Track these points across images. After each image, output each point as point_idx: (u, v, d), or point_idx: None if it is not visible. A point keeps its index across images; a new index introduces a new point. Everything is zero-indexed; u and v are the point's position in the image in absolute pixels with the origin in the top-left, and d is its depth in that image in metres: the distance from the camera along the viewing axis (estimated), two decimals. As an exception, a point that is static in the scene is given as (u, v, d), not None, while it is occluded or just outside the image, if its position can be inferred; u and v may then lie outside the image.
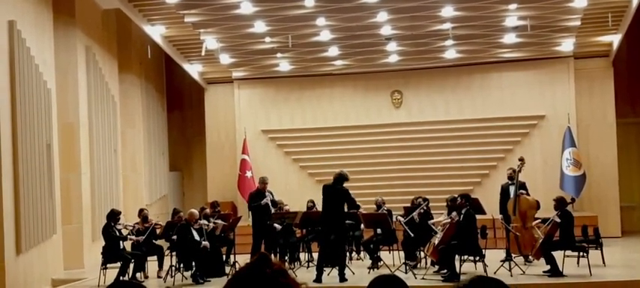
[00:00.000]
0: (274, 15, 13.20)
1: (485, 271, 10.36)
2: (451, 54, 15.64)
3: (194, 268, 11.05)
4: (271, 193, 12.67)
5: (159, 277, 11.78)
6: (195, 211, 11.71)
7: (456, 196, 11.24)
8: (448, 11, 13.08)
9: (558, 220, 10.53)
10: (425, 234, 11.42)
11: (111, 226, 11.23)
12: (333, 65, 16.50)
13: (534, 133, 16.31)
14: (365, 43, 14.84)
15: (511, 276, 10.48)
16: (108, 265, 11.05)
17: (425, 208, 11.85)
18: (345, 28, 13.91)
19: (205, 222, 11.65)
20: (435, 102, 16.71)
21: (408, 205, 12.71)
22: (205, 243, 11.10)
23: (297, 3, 12.64)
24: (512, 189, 12.04)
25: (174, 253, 11.52)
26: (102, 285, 10.71)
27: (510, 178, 12.28)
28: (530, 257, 11.40)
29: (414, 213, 11.71)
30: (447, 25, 13.81)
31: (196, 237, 11.16)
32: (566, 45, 15.33)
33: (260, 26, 13.71)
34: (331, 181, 10.85)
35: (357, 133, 16.90)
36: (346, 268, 10.79)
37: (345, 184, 10.89)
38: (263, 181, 12.70)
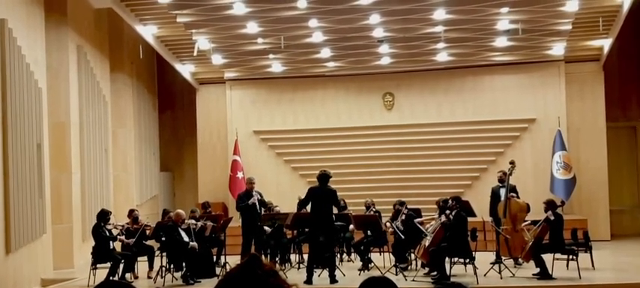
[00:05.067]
0: (267, 16, 13.20)
1: (476, 273, 10.39)
2: (443, 57, 15.69)
3: (184, 269, 11.03)
4: (259, 194, 12.67)
5: (149, 277, 11.75)
6: (182, 212, 11.69)
7: (448, 198, 11.28)
8: (440, 14, 13.11)
9: (552, 217, 10.57)
10: (415, 236, 11.44)
11: (101, 226, 11.20)
12: (326, 67, 16.52)
13: (525, 136, 16.38)
14: (357, 45, 14.86)
15: (501, 278, 10.53)
16: (98, 265, 11.01)
17: (405, 212, 11.87)
18: (338, 29, 13.92)
19: (193, 222, 11.63)
20: (426, 104, 16.75)
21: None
22: (193, 243, 11.07)
23: (290, 4, 12.64)
24: (502, 192, 12.08)
25: (164, 254, 11.49)
26: (92, 285, 10.67)
27: (501, 180, 12.32)
28: (519, 260, 11.44)
29: (397, 221, 11.75)
30: (439, 28, 13.85)
31: (184, 237, 11.14)
32: (557, 49, 15.40)
33: (252, 27, 13.70)
34: (316, 183, 10.86)
35: (348, 135, 16.93)
36: (337, 270, 10.80)
37: (336, 185, 10.91)
38: (250, 182, 12.71)
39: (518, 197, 11.98)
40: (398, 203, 12.21)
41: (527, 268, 11.03)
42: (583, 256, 11.10)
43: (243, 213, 12.54)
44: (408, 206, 12.19)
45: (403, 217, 11.77)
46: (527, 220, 11.58)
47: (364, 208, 12.95)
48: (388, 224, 11.95)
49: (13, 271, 10.42)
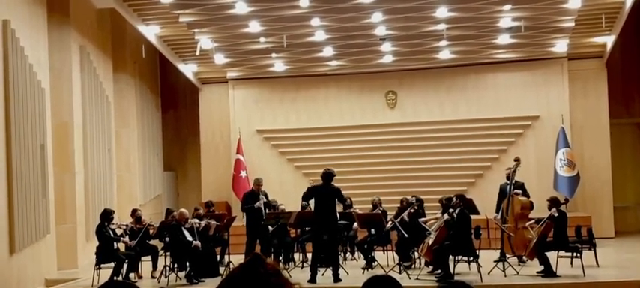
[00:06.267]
0: (269, 15, 13.20)
1: (479, 271, 10.38)
2: (445, 55, 15.67)
3: (188, 268, 11.05)
4: (266, 195, 12.70)
5: (153, 277, 11.76)
6: (185, 211, 11.71)
7: (451, 196, 11.28)
8: (442, 12, 13.10)
9: (556, 214, 10.56)
10: (418, 234, 11.43)
11: (104, 226, 11.21)
12: (328, 65, 16.51)
13: (528, 133, 16.35)
14: (359, 43, 14.86)
15: (505, 276, 10.52)
16: (102, 265, 11.03)
17: (416, 208, 11.85)
18: (340, 28, 13.92)
19: (196, 221, 11.65)
20: (429, 102, 16.73)
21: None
22: (196, 242, 11.08)
23: (292, 3, 12.64)
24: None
25: (168, 254, 11.51)
26: (95, 285, 10.68)
27: (508, 178, 12.27)
28: (523, 257, 11.43)
29: (404, 213, 11.73)
30: (442, 26, 13.83)
31: (188, 236, 11.15)
32: (560, 46, 15.38)
33: (255, 26, 13.71)
34: (320, 181, 10.87)
35: (351, 134, 16.92)
36: (340, 269, 10.81)
37: (339, 184, 10.91)
38: (257, 183, 12.72)
39: (524, 194, 11.93)
40: (415, 198, 12.20)
41: (532, 266, 11.02)
42: (587, 254, 11.10)
43: (247, 214, 12.58)
44: (411, 202, 12.18)
45: (412, 210, 11.74)
46: (531, 219, 11.56)
47: (371, 207, 12.92)
48: (390, 224, 11.93)
49: (18, 271, 10.44)
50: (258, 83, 17.40)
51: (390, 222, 12.05)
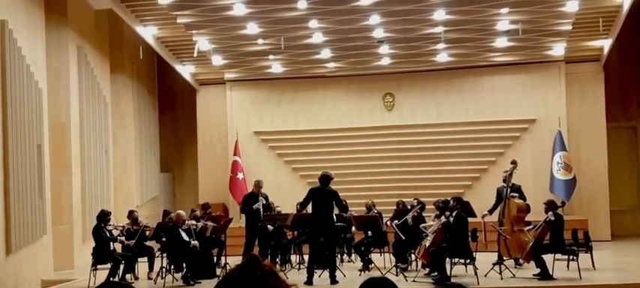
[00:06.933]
0: (267, 17, 13.20)
1: (476, 273, 10.39)
2: (443, 57, 15.69)
3: (185, 270, 11.04)
4: (266, 197, 12.69)
5: (149, 278, 11.74)
6: (182, 213, 11.71)
7: (447, 199, 11.28)
8: (440, 15, 13.11)
9: (553, 218, 10.57)
10: (416, 237, 11.43)
11: (101, 227, 11.19)
12: (326, 67, 16.52)
13: (525, 136, 16.37)
14: (357, 45, 14.86)
15: (501, 279, 10.53)
16: (98, 266, 11.00)
17: (418, 211, 11.85)
18: (338, 30, 13.92)
19: (193, 222, 11.65)
20: (426, 105, 16.75)
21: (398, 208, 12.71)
22: (194, 242, 11.08)
23: (290, 5, 12.64)
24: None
25: (164, 255, 11.49)
26: (92, 286, 10.65)
27: (505, 180, 12.28)
28: (520, 260, 11.43)
29: (408, 216, 11.71)
30: (439, 29, 13.84)
31: (185, 238, 11.15)
32: (558, 49, 15.40)
33: (253, 28, 13.70)
34: (318, 183, 10.87)
35: (349, 136, 16.93)
36: (337, 271, 10.80)
37: (337, 186, 10.90)
38: (258, 185, 12.70)
39: (521, 197, 11.93)
40: (417, 200, 12.19)
41: (528, 269, 11.02)
42: (583, 257, 11.09)
43: (247, 215, 12.58)
44: (412, 205, 12.18)
45: (415, 214, 11.73)
46: (529, 223, 11.55)
47: (365, 209, 12.92)
48: (389, 224, 11.92)
49: (14, 272, 10.42)
50: (256, 85, 17.40)
51: (387, 223, 12.02)
